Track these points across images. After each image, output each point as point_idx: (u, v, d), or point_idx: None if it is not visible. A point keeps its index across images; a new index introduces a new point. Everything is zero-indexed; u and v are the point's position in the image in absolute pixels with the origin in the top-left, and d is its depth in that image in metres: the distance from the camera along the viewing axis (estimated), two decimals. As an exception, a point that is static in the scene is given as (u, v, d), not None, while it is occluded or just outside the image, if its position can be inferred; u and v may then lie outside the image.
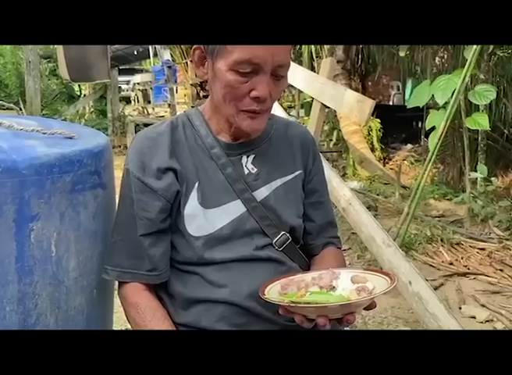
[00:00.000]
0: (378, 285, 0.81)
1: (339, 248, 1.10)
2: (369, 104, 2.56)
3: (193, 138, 0.96)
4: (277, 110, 3.03)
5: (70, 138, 0.96)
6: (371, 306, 0.82)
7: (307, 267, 1.04)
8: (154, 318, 0.90)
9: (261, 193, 0.97)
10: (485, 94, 2.64)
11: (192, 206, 0.93)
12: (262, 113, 0.91)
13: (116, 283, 0.99)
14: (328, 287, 0.84)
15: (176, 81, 10.86)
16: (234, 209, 0.94)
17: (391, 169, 5.94)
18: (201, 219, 0.92)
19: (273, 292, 0.84)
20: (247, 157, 0.98)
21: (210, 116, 0.98)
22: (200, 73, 0.93)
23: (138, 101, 13.51)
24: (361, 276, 0.85)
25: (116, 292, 0.99)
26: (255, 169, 0.97)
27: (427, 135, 2.73)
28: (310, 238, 1.07)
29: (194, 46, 0.92)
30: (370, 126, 5.95)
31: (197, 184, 0.93)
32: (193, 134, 0.97)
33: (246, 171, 0.97)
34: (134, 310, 0.92)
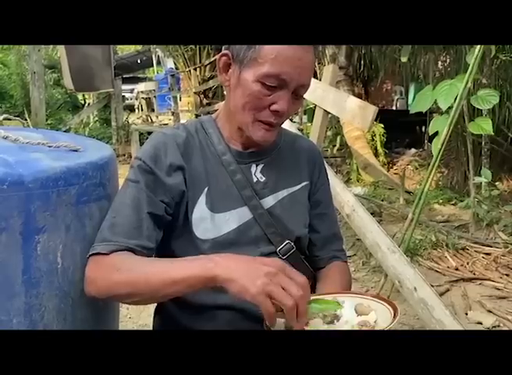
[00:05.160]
0: (381, 316, 0.81)
1: (345, 261, 1.11)
2: (372, 110, 2.57)
3: (206, 144, 0.98)
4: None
5: (75, 151, 0.98)
6: None
7: (312, 278, 1.05)
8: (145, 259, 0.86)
9: (268, 202, 0.99)
10: (488, 98, 2.63)
11: (200, 210, 0.94)
12: (276, 126, 0.94)
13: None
14: (332, 316, 0.84)
15: (179, 89, 10.91)
16: (241, 215, 0.96)
17: (395, 174, 5.93)
18: (208, 223, 0.94)
19: (278, 325, 0.81)
20: (257, 166, 1.00)
21: (223, 124, 1.01)
22: (221, 79, 0.96)
23: (142, 110, 13.57)
24: (365, 304, 0.85)
25: (120, 303, 0.98)
26: (263, 178, 0.99)
27: (430, 139, 2.72)
28: (315, 250, 1.08)
29: (221, 52, 0.94)
30: (373, 132, 5.95)
31: (206, 189, 0.95)
32: (206, 140, 0.99)
33: (254, 179, 0.99)
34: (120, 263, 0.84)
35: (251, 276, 0.71)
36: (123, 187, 0.94)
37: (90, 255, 0.87)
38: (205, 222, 0.94)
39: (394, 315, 0.79)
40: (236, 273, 0.73)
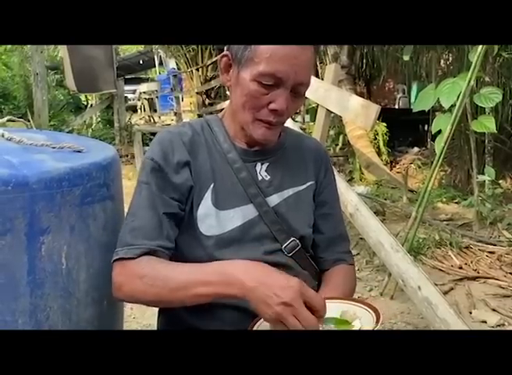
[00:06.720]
0: (367, 324, 0.80)
1: (351, 264, 1.09)
2: (374, 109, 2.56)
3: (212, 142, 0.99)
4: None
5: (79, 152, 0.98)
6: None
7: (317, 277, 1.05)
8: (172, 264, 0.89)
9: (273, 200, 0.99)
10: (491, 96, 2.63)
11: (205, 206, 0.95)
12: (277, 125, 0.95)
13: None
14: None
15: (181, 90, 10.93)
16: (246, 213, 0.96)
17: (398, 172, 5.93)
18: (213, 219, 0.94)
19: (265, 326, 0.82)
20: (262, 164, 1.00)
21: (229, 123, 1.02)
22: (223, 79, 0.98)
23: (144, 110, 13.58)
24: (351, 312, 0.84)
25: (125, 303, 0.98)
26: (268, 177, 1.00)
27: (433, 138, 2.72)
28: (319, 251, 1.07)
29: (222, 53, 0.96)
30: (376, 130, 5.95)
31: (212, 185, 0.96)
32: (212, 138, 1.00)
33: (260, 177, 0.99)
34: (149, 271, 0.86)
35: (267, 303, 0.75)
36: (137, 190, 0.95)
37: (114, 260, 0.89)
38: (210, 218, 0.94)
39: (376, 322, 0.79)
40: (254, 295, 0.77)
